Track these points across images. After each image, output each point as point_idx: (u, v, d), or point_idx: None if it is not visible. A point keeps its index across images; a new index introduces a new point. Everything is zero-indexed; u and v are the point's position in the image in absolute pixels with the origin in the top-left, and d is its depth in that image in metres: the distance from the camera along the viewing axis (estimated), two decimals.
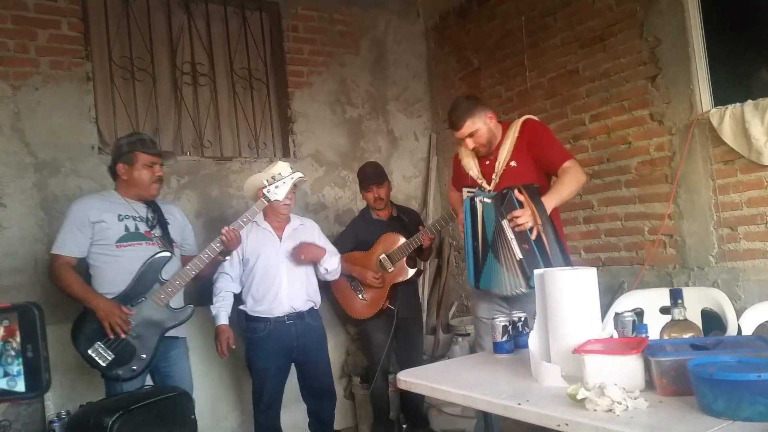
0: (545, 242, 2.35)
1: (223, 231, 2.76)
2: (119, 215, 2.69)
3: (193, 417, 2.56)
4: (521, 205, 2.36)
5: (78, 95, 3.45)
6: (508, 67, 4.02)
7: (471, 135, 2.60)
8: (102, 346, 2.59)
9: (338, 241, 3.64)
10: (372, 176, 3.63)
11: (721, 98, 2.90)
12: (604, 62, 3.36)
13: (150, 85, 3.81)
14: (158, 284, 2.68)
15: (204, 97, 4.01)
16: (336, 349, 4.08)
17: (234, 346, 3.11)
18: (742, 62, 2.96)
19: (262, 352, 3.12)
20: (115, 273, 2.65)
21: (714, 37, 2.96)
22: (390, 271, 3.54)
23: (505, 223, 2.36)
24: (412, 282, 3.75)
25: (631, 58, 3.22)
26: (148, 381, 2.82)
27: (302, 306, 3.17)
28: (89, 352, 2.59)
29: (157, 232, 2.76)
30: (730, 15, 2.99)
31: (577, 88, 3.54)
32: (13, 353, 0.79)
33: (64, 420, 2.95)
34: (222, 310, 3.10)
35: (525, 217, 2.33)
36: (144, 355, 2.64)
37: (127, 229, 2.69)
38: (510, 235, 2.35)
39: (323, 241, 3.34)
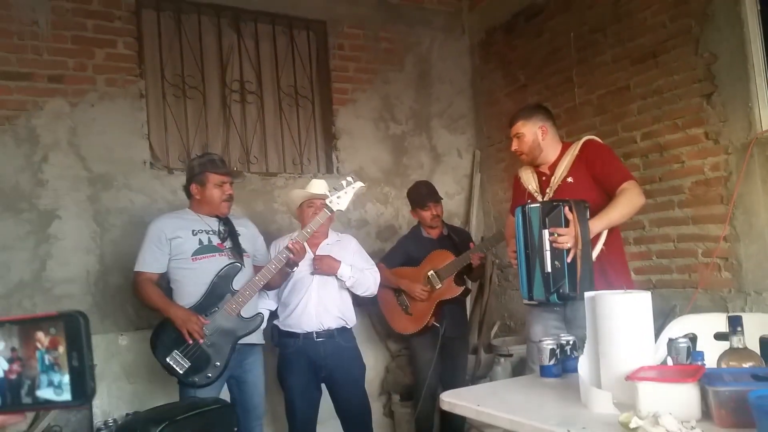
0: (578, 268, 2.30)
1: (289, 244, 2.81)
2: (193, 230, 2.81)
3: (235, 429, 2.59)
4: (567, 224, 2.31)
5: (131, 112, 3.57)
6: (555, 84, 3.96)
7: (516, 136, 2.65)
8: (179, 354, 2.67)
9: (388, 257, 3.66)
10: (429, 195, 3.63)
11: None
12: (657, 79, 3.27)
13: (200, 102, 3.91)
14: (230, 294, 2.76)
15: (251, 114, 4.10)
16: (375, 366, 4.07)
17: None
18: None
19: (291, 368, 3.12)
20: (193, 285, 2.75)
21: None
22: (437, 288, 3.51)
23: (545, 233, 2.32)
24: (460, 301, 3.72)
25: (685, 75, 3.13)
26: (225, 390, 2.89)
27: (332, 323, 3.11)
28: (167, 360, 2.67)
29: (228, 244, 2.85)
30: None
31: (627, 105, 3.46)
32: (59, 362, 0.80)
33: (111, 427, 3.03)
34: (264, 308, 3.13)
35: (567, 237, 2.28)
36: (218, 363, 2.71)
37: (201, 242, 2.80)
38: (546, 246, 2.31)
39: (359, 256, 3.29)
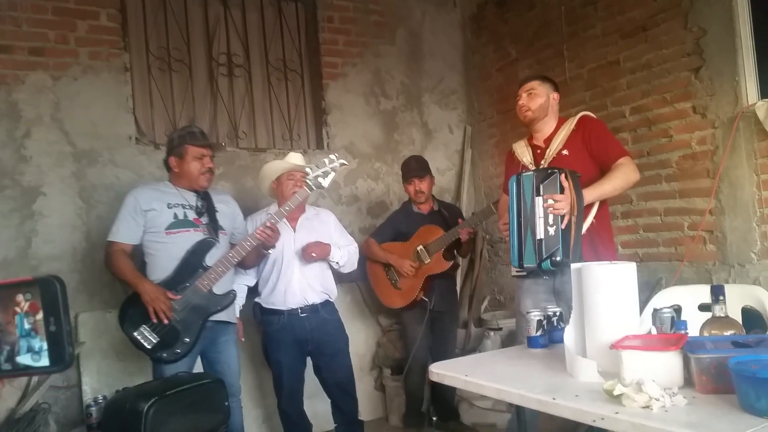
0: (572, 234, 2.31)
1: (257, 232, 2.77)
2: (168, 203, 2.76)
3: (226, 404, 2.60)
4: (562, 191, 2.31)
5: (116, 86, 3.51)
6: (546, 58, 3.94)
7: (528, 92, 2.65)
8: (147, 329, 2.65)
9: (378, 232, 3.67)
10: (414, 169, 3.63)
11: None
12: (646, 53, 3.27)
13: (186, 75, 3.86)
14: (202, 270, 2.73)
15: (239, 88, 4.05)
16: (367, 341, 4.10)
17: (243, 339, 3.13)
18: None
19: (277, 344, 3.13)
20: (166, 259, 2.72)
21: (763, 28, 2.85)
22: (426, 262, 3.53)
23: (539, 200, 2.31)
24: (449, 276, 3.74)
25: (675, 49, 3.12)
26: (198, 366, 2.88)
27: (316, 299, 3.13)
28: (135, 334, 2.65)
29: (205, 219, 2.81)
30: None
31: (617, 80, 3.45)
32: (36, 328, 0.79)
33: (100, 404, 3.04)
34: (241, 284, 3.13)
35: (563, 203, 2.29)
36: (187, 339, 2.68)
37: (176, 216, 2.75)
38: (539, 212, 2.31)
39: (339, 232, 3.29)
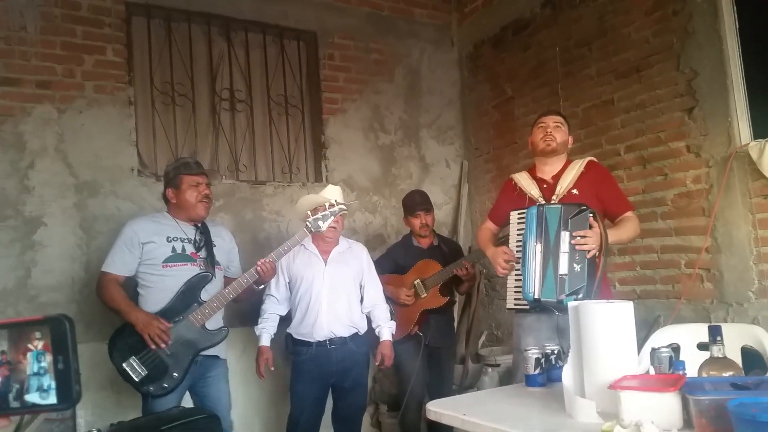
0: (597, 273, 2.32)
1: (258, 264, 2.78)
2: (168, 237, 2.77)
3: None
4: (590, 229, 2.35)
5: (120, 119, 3.56)
6: (541, 96, 4.02)
7: (557, 125, 2.71)
8: (137, 360, 2.63)
9: (376, 264, 3.66)
10: (421, 203, 3.66)
11: (760, 131, 2.86)
12: (640, 93, 3.34)
13: (189, 110, 3.91)
14: (196, 304, 2.72)
15: (241, 122, 4.10)
16: None
17: (272, 368, 3.11)
18: None
19: (303, 376, 3.11)
20: (160, 292, 2.71)
21: (753, 70, 2.93)
22: (422, 296, 3.53)
23: (565, 234, 2.32)
24: (446, 311, 3.73)
25: (668, 90, 3.19)
26: (187, 401, 2.84)
27: (343, 332, 3.12)
28: (124, 365, 2.63)
29: (202, 254, 2.82)
30: None
31: (611, 119, 3.52)
32: (45, 366, 0.80)
33: None
34: (265, 331, 3.11)
35: (593, 240, 2.31)
36: (176, 374, 2.66)
37: (174, 250, 2.76)
38: (565, 247, 2.32)
39: (369, 269, 3.30)
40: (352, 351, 3.15)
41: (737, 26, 2.95)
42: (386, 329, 3.28)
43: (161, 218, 2.86)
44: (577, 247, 2.31)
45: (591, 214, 2.36)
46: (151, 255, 2.72)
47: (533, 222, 2.45)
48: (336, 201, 2.88)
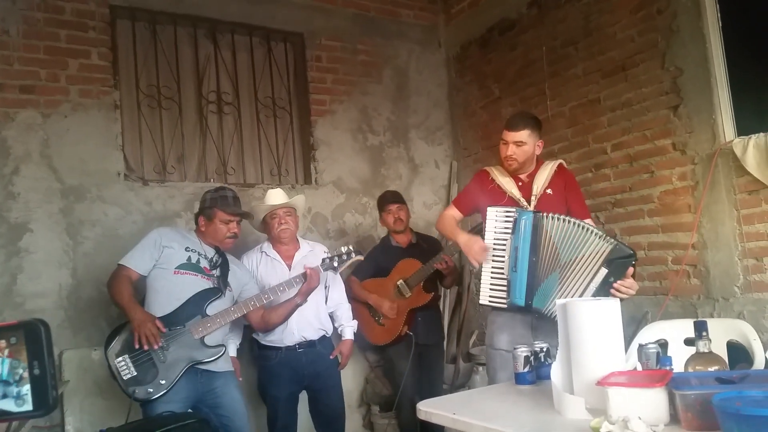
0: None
1: (306, 267, 2.90)
2: (187, 247, 2.82)
3: None
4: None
5: (105, 123, 3.54)
6: (528, 96, 4.04)
7: (517, 143, 2.64)
8: (129, 359, 2.62)
9: (358, 269, 3.64)
10: (391, 198, 3.70)
11: (744, 128, 2.88)
12: (626, 92, 3.36)
13: (176, 113, 3.89)
14: (200, 317, 2.73)
15: (228, 125, 4.09)
16: (354, 377, 4.06)
17: (240, 378, 3.08)
18: (765, 92, 2.94)
19: (273, 379, 3.13)
20: (166, 297, 2.72)
21: (736, 67, 2.95)
22: (407, 296, 3.53)
23: (602, 271, 2.32)
24: (433, 307, 3.74)
25: (653, 88, 3.22)
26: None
27: (313, 335, 3.16)
28: (116, 361, 2.62)
29: (216, 272, 2.85)
30: (753, 45, 2.99)
31: (598, 118, 3.54)
32: (21, 372, 0.79)
33: None
34: (230, 341, 3.09)
35: (632, 292, 2.34)
36: (163, 382, 2.63)
37: (189, 259, 2.79)
38: (597, 281, 2.33)
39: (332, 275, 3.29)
40: (321, 353, 3.19)
41: (720, 24, 2.98)
42: (348, 328, 3.35)
43: (187, 233, 2.93)
44: (614, 292, 2.31)
45: (632, 264, 2.36)
46: (167, 259, 2.76)
47: (528, 233, 2.46)
48: (354, 249, 3.01)
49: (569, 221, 2.42)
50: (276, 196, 3.20)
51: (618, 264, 2.32)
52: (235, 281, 2.92)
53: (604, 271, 2.33)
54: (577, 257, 2.38)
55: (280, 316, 2.95)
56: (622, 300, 2.22)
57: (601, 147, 3.53)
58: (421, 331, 3.55)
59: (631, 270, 2.35)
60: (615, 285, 2.32)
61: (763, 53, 2.95)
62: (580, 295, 2.34)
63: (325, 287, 3.30)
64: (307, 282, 2.86)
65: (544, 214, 2.48)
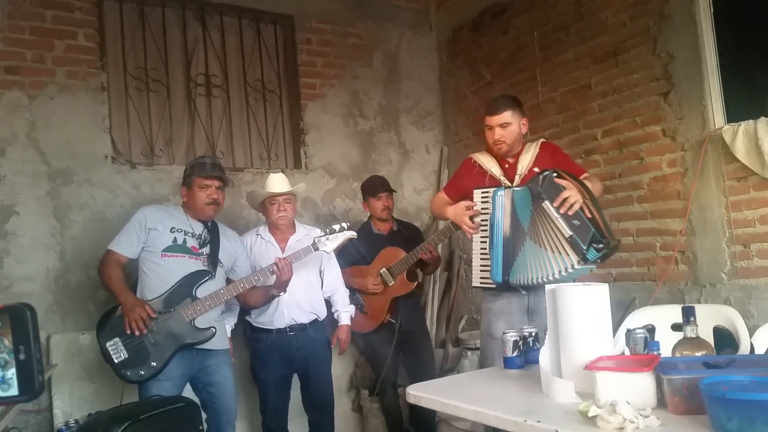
0: (596, 215, 2.29)
1: (276, 259, 2.83)
2: (172, 227, 2.80)
3: (201, 428, 2.57)
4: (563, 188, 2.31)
5: (93, 105, 3.49)
6: (520, 81, 4.02)
7: (503, 125, 2.65)
8: (120, 343, 2.64)
9: (339, 256, 3.64)
10: (383, 185, 3.66)
11: (734, 115, 2.89)
12: (617, 78, 3.36)
13: (164, 95, 3.85)
14: (189, 299, 2.73)
15: (217, 108, 4.05)
16: (344, 361, 4.07)
17: (233, 359, 3.09)
18: (756, 79, 2.95)
19: (264, 362, 3.16)
20: (156, 281, 2.73)
21: (727, 54, 2.95)
22: (391, 285, 3.53)
23: (546, 204, 2.29)
24: (414, 294, 3.74)
25: (644, 74, 3.21)
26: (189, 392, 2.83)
27: (304, 318, 3.17)
28: (108, 345, 2.64)
29: (206, 250, 2.83)
30: (744, 32, 3.00)
31: (589, 103, 3.54)
32: (6, 356, 0.78)
33: (72, 428, 2.97)
34: (225, 322, 3.09)
35: (575, 195, 2.27)
36: (154, 364, 2.65)
37: (175, 241, 2.78)
38: (554, 214, 2.27)
39: (327, 258, 3.29)
40: (312, 337, 3.19)
41: (712, 10, 2.97)
42: (345, 313, 3.35)
43: (173, 210, 2.90)
44: (562, 210, 2.26)
45: (554, 174, 2.34)
46: (153, 242, 2.75)
47: (494, 212, 2.48)
48: (347, 225, 2.97)
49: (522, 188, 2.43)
50: (279, 183, 3.15)
51: (548, 190, 2.28)
52: (225, 255, 2.91)
53: (547, 203, 2.27)
54: (531, 217, 2.37)
55: (257, 300, 2.99)
56: (572, 204, 2.24)
57: (591, 133, 3.53)
58: (403, 318, 3.56)
59: (562, 181, 2.31)
60: (555, 204, 2.26)
61: (754, 40, 2.96)
62: (566, 237, 2.26)
63: (320, 271, 3.29)
64: (278, 276, 2.83)
65: (514, 188, 2.48)
